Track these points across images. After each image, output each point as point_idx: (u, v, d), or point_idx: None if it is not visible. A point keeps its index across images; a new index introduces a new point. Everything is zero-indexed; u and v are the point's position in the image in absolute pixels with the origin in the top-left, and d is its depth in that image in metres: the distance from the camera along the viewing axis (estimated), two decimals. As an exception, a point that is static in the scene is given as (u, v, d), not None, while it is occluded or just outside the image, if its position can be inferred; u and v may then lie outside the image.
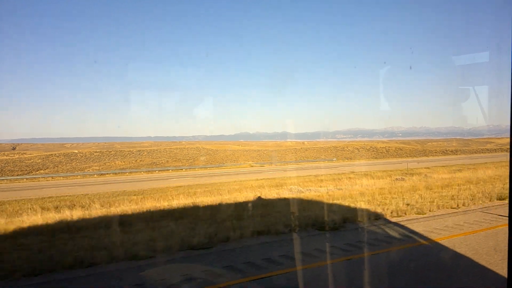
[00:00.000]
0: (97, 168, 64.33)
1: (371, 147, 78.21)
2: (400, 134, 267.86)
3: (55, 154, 75.26)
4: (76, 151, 78.12)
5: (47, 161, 69.84)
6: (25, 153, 78.13)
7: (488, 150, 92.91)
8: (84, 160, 71.78)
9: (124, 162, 67.93)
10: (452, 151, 79.58)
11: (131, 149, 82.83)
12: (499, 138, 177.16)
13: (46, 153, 78.49)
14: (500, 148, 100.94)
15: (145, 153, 76.28)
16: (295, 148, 79.70)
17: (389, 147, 78.83)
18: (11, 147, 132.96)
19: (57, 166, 66.06)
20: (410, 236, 7.94)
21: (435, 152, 76.62)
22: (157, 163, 68.17)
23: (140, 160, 69.48)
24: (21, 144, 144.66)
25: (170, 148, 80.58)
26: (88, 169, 63.23)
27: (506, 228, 4.78)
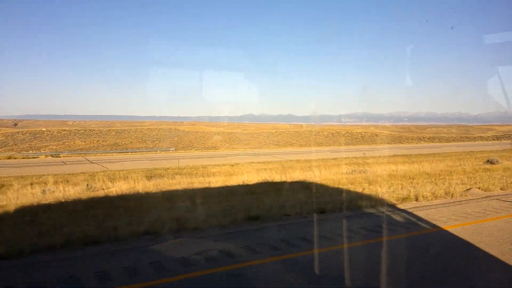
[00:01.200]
0: (54, 147, 61.83)
1: (347, 132, 74.10)
2: (406, 119, 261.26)
3: (21, 132, 72.87)
4: (44, 129, 75.62)
5: (10, 139, 67.51)
6: (-5, 130, 75.81)
7: (482, 138, 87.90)
8: (49, 139, 69.32)
9: (85, 142, 65.26)
10: (437, 138, 75.14)
11: (109, 129, 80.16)
12: (501, 126, 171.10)
13: (14, 130, 76.28)
14: (495, 136, 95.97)
15: (113, 133, 73.43)
16: (271, 132, 76.02)
17: (366, 132, 74.65)
18: (13, 123, 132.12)
19: (16, 144, 63.71)
20: None
21: (418, 139, 72.28)
22: (119, 144, 65.41)
23: (103, 141, 66.71)
24: (24, 120, 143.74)
25: (143, 129, 77.58)
26: (44, 148, 60.79)
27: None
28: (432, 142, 68.46)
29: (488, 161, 20.77)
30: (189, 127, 79.10)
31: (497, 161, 20.17)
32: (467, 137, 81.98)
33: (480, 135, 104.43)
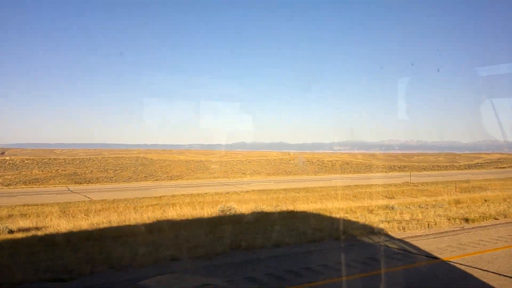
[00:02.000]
0: (10, 177, 59.45)
1: (318, 160, 72.03)
2: (397, 148, 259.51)
3: (-18, 161, 70.63)
4: (8, 158, 73.40)
5: (-34, 168, 65.25)
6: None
7: (453, 166, 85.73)
8: (9, 168, 67.06)
9: (43, 172, 62.91)
10: (408, 167, 73.05)
11: (73, 157, 78.06)
12: (489, 154, 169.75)
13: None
14: (481, 164, 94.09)
15: (77, 161, 71.24)
16: (241, 160, 73.93)
17: (337, 160, 72.60)
18: (0, 152, 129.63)
19: (-31, 174, 61.35)
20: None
21: (388, 167, 70.15)
22: (78, 174, 63.10)
23: (63, 170, 64.41)
24: (12, 149, 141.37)
25: (109, 157, 75.45)
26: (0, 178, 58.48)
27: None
28: (403, 171, 66.31)
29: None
30: (157, 155, 77.00)
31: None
32: (439, 166, 79.96)
33: (467, 163, 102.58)
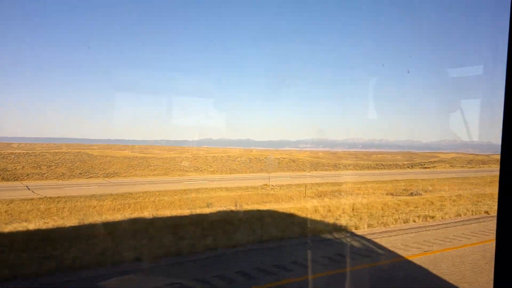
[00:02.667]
0: None
1: (265, 157, 71.07)
2: (360, 146, 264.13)
3: None
4: None
5: None
6: None
7: (397, 165, 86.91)
8: None
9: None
10: (352, 166, 73.20)
11: (11, 152, 73.71)
12: (445, 153, 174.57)
13: None
14: (411, 163, 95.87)
15: (12, 156, 67.25)
16: (187, 157, 72.02)
17: (284, 158, 71.86)
18: None
19: None
20: None
21: (333, 166, 70.00)
22: (9, 169, 59.43)
23: (-8, 165, 60.51)
24: None
25: (48, 152, 71.73)
26: None
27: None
28: (347, 169, 66.28)
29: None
30: (100, 151, 73.87)
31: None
32: (383, 165, 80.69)
33: (424, 161, 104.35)
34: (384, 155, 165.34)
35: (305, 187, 27.49)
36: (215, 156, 73.00)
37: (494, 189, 23.29)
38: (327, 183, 34.07)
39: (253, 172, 61.34)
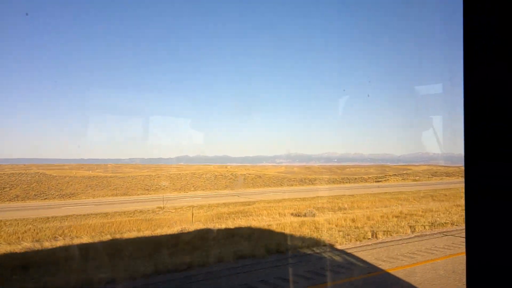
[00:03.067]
0: None
1: (231, 173, 70.10)
2: (335, 160, 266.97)
3: None
4: None
5: None
6: None
7: (363, 179, 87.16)
8: None
9: None
10: (318, 180, 72.89)
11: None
12: (417, 166, 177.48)
13: None
14: (378, 177, 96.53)
15: (-37, 179, 64.03)
16: (150, 175, 70.30)
17: (250, 174, 71.02)
18: None
19: None
20: None
21: (299, 180, 69.52)
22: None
23: None
24: None
25: (4, 173, 68.71)
26: None
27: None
28: (312, 184, 65.83)
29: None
30: (59, 172, 71.36)
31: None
32: (348, 178, 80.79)
33: (396, 173, 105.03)
34: (357, 169, 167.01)
35: (192, 209, 25.87)
36: (182, 174, 71.55)
37: (417, 206, 22.49)
38: (239, 202, 32.59)
39: (217, 189, 60.15)
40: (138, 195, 56.27)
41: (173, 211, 28.37)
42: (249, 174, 69.83)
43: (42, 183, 63.40)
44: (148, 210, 29.72)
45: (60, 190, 60.53)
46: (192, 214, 20.98)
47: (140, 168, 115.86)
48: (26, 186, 61.34)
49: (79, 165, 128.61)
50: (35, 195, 57.88)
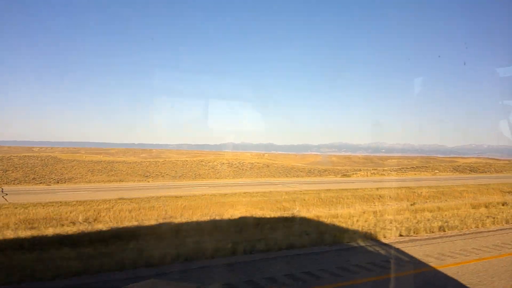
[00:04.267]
0: None
1: (239, 162, 65.43)
2: (383, 150, 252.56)
3: None
4: None
5: None
6: None
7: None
8: None
9: None
10: (330, 171, 66.17)
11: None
12: (464, 158, 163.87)
13: None
14: (402, 168, 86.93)
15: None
16: (158, 161, 67.68)
17: (258, 163, 65.79)
18: None
19: None
20: None
21: (307, 171, 63.36)
22: (-41, 174, 56.96)
23: None
24: None
25: (18, 156, 69.32)
26: None
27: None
28: (322, 175, 59.47)
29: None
30: (68, 155, 70.76)
31: None
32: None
33: (441, 164, 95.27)
34: (399, 160, 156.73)
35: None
36: (188, 161, 68.24)
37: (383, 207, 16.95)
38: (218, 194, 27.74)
39: (218, 178, 55.93)
40: (133, 182, 53.40)
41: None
42: (258, 163, 64.88)
43: (47, 167, 62.69)
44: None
45: (61, 174, 59.35)
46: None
47: (182, 154, 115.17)
48: (29, 169, 60.80)
49: (126, 149, 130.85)
50: (33, 178, 57.03)
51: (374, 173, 55.23)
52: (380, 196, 25.04)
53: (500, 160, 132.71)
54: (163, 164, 66.05)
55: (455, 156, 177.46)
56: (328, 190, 29.39)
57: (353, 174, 55.26)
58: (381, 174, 53.38)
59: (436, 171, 64.52)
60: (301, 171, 61.60)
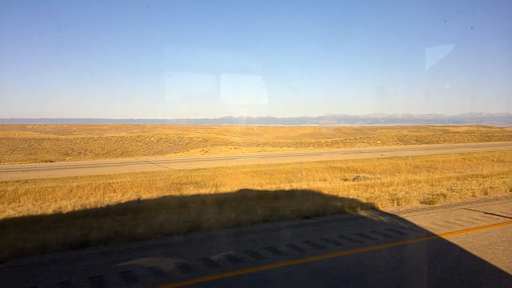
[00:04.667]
0: None
1: (202, 137, 71.53)
2: (382, 121, 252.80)
3: None
4: None
5: None
6: None
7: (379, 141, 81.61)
8: None
9: None
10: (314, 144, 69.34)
11: None
12: (457, 126, 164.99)
13: None
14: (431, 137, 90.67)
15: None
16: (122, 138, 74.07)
17: (197, 137, 71.77)
18: None
19: None
20: None
21: (319, 144, 66.96)
22: None
23: None
24: None
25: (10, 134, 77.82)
26: None
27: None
28: (302, 148, 63.20)
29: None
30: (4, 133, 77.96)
31: None
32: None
33: (430, 134, 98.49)
34: (388, 130, 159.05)
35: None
36: (124, 137, 73.98)
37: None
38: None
39: (144, 155, 56.48)
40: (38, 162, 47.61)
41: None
42: (197, 137, 70.86)
43: (30, 144, 70.57)
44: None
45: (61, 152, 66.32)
46: None
47: (175, 128, 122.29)
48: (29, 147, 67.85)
49: (117, 125, 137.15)
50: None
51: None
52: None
53: (492, 127, 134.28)
54: (95, 141, 71.18)
55: (452, 125, 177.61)
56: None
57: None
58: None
59: (378, 142, 68.30)
60: (310, 144, 65.41)
